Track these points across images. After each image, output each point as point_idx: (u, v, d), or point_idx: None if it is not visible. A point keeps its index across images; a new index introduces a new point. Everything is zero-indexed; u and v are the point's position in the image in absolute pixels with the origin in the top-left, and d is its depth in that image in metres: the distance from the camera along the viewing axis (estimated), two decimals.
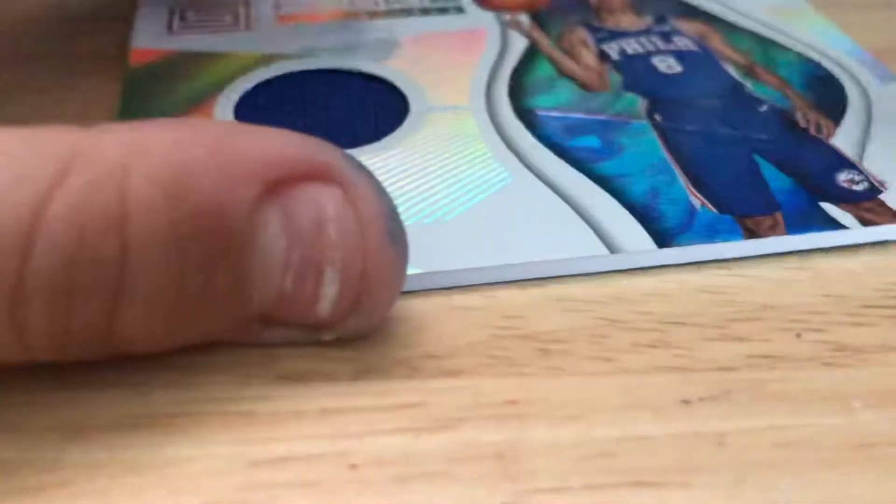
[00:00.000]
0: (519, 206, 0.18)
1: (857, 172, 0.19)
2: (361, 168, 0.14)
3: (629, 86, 0.22)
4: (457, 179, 0.19)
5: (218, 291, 0.13)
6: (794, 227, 0.18)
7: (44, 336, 0.13)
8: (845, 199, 0.19)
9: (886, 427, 0.14)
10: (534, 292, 0.17)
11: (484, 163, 0.20)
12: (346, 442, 0.14)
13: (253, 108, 0.22)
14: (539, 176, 0.19)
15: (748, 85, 0.23)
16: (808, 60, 0.24)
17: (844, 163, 0.20)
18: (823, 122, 0.21)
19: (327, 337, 0.15)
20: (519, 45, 0.24)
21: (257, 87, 0.22)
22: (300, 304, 0.14)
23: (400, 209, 0.16)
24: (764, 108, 0.22)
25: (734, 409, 0.15)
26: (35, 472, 0.13)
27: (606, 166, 0.19)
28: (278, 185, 0.14)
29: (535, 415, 0.14)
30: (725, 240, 0.17)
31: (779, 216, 0.18)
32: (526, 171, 0.19)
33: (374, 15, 0.26)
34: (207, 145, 0.13)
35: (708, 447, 0.14)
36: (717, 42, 0.25)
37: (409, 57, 0.24)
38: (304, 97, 0.22)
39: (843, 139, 0.21)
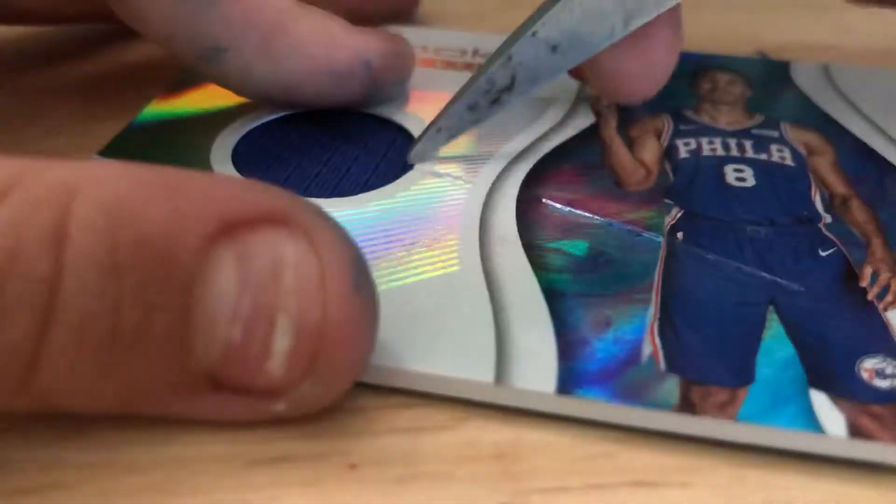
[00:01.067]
0: (440, 302, 0.16)
1: (892, 362, 0.14)
2: (327, 216, 0.13)
3: (675, 191, 0.19)
4: (406, 253, 0.17)
5: (156, 333, 0.12)
6: (753, 414, 0.13)
7: None
8: (851, 394, 0.14)
9: None
10: None
11: (443, 246, 0.17)
12: (345, 441, 0.14)
13: (255, 146, 0.20)
14: (487, 274, 0.16)
15: (827, 219, 0.18)
16: None
17: (884, 346, 0.15)
18: (894, 286, 0.16)
19: (280, 407, 0.13)
20: (583, 121, 0.21)
21: (261, 127, 0.21)
22: (249, 361, 0.13)
23: None
24: (827, 252, 0.17)
25: None
26: (35, 471, 0.13)
27: (572, 281, 0.16)
28: (235, 226, 0.12)
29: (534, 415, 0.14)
30: (635, 405, 0.14)
31: (742, 393, 0.14)
32: (478, 266, 0.16)
33: (450, 65, 0.24)
34: (162, 180, 0.13)
35: (707, 446, 0.14)
36: (824, 161, 0.20)
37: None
38: (313, 137, 0.21)
39: None
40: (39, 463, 0.13)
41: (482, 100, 0.19)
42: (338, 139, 0.21)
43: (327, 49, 0.19)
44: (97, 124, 0.21)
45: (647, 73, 0.19)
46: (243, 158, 0.20)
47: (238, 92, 0.20)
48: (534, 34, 0.18)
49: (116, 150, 0.20)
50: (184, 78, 0.22)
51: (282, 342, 0.13)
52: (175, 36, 0.19)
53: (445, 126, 0.19)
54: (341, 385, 0.13)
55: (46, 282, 0.12)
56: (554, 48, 0.18)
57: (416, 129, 0.20)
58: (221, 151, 0.20)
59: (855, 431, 0.13)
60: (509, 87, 0.18)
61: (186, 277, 0.12)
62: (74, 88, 0.24)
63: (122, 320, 0.12)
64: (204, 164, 0.19)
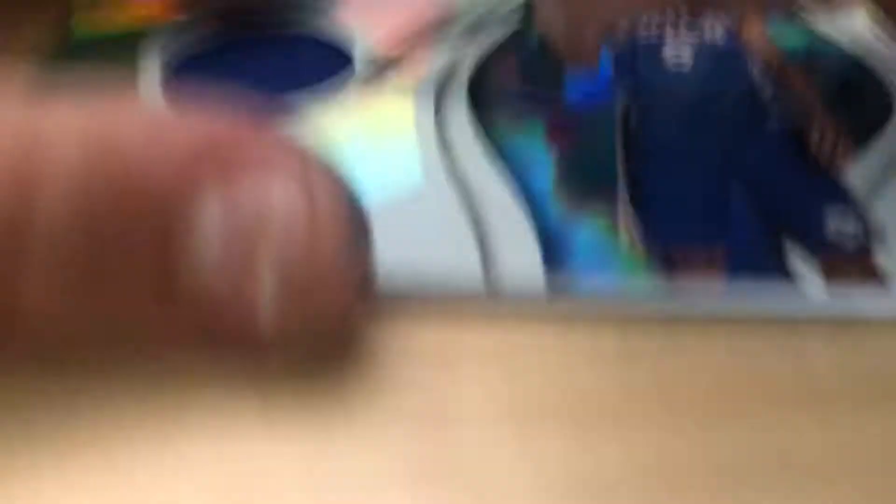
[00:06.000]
0: (417, 222, 0.15)
1: (854, 217, 0.15)
2: (321, 159, 0.13)
3: (619, 78, 0.19)
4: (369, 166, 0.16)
5: (136, 261, 0.12)
6: (736, 269, 0.14)
7: None
8: (819, 246, 0.14)
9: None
10: None
11: (405, 153, 0.17)
12: None
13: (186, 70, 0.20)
14: (456, 183, 0.16)
15: (767, 91, 0.18)
16: (856, 61, 0.19)
17: (843, 200, 0.15)
18: (842, 147, 0.17)
19: (274, 356, 0.13)
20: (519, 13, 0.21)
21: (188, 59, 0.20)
22: (236, 305, 0.12)
23: None
24: (772, 123, 0.17)
25: None
26: (34, 456, 0.13)
27: (540, 178, 0.16)
28: (223, 164, 0.12)
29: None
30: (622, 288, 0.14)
31: (720, 251, 0.14)
32: (442, 174, 0.16)
33: None
34: (147, 116, 0.12)
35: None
36: (754, 31, 0.20)
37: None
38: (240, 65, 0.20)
39: (863, 169, 0.16)
40: (38, 447, 0.13)
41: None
42: (273, 59, 0.20)
43: None
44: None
45: None
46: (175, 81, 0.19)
47: None
48: None
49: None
50: None
51: (270, 285, 0.12)
52: None
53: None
54: (334, 321, 0.13)
55: (24, 204, 0.11)
56: None
57: (351, 44, 0.20)
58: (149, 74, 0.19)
59: (829, 280, 0.14)
60: None
61: (168, 214, 0.12)
62: None
63: (99, 244, 0.12)
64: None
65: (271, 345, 0.13)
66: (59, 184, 0.11)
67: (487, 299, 0.14)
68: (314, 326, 0.12)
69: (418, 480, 0.12)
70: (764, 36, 0.20)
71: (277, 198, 0.12)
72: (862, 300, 0.14)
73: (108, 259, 0.12)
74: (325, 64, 0.20)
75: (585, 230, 0.15)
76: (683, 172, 0.16)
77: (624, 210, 0.15)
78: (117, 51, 0.20)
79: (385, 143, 0.17)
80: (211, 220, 0.12)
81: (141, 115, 0.12)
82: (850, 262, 0.14)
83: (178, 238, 0.12)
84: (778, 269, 0.14)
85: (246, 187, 0.12)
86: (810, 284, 0.14)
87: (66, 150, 0.11)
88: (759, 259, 0.14)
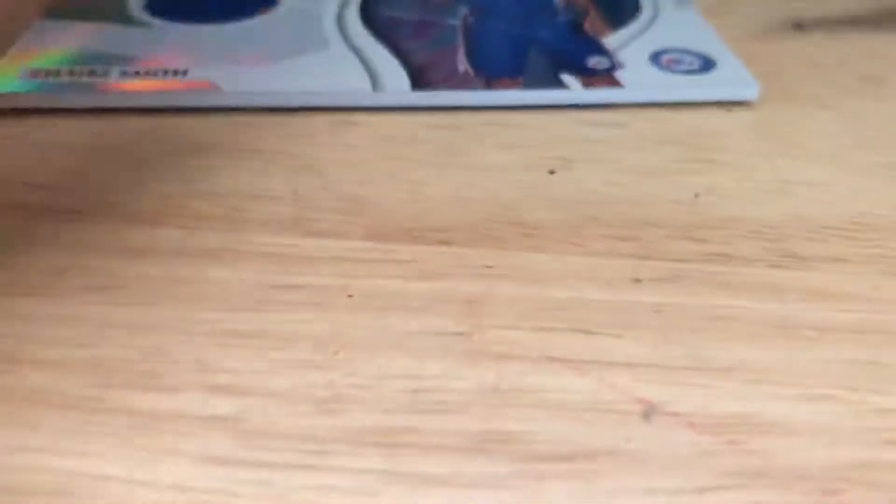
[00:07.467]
0: (324, 66, 0.25)
1: (606, 58, 0.25)
2: None
3: (462, 1, 0.28)
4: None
5: None
6: (528, 86, 0.24)
7: None
8: (583, 72, 0.24)
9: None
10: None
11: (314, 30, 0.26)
12: (348, 280, 0.17)
13: None
14: (351, 49, 0.25)
15: (557, 1, 0.28)
16: None
17: (600, 52, 0.25)
18: (601, 27, 0.27)
19: None
20: None
21: None
22: None
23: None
24: (560, 18, 0.27)
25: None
26: (102, 277, 0.17)
27: (413, 43, 0.26)
28: None
29: (505, 277, 0.18)
30: (467, 90, 0.23)
31: (520, 80, 0.24)
32: (343, 44, 0.26)
33: None
34: None
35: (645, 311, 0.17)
36: None
37: None
38: None
39: (616, 39, 0.26)
40: (103, 273, 0.18)
41: None
42: None
43: None
44: None
45: None
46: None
47: None
48: None
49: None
50: None
51: None
52: None
53: None
54: None
55: None
56: None
57: None
58: None
59: (585, 87, 0.24)
60: None
61: None
62: None
63: None
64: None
65: None
66: None
67: (374, 93, 0.23)
68: None
69: None
70: None
71: None
72: (605, 93, 0.24)
73: None
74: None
75: (439, 64, 0.25)
76: (499, 38, 0.26)
77: (460, 56, 0.25)
78: None
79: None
80: None
81: None
82: (600, 77, 0.24)
83: None
84: (558, 84, 0.24)
85: None
86: (574, 88, 0.23)
87: None
88: (544, 82, 0.24)
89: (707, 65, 0.25)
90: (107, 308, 0.17)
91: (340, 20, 0.27)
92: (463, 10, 0.28)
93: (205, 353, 0.16)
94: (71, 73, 0.23)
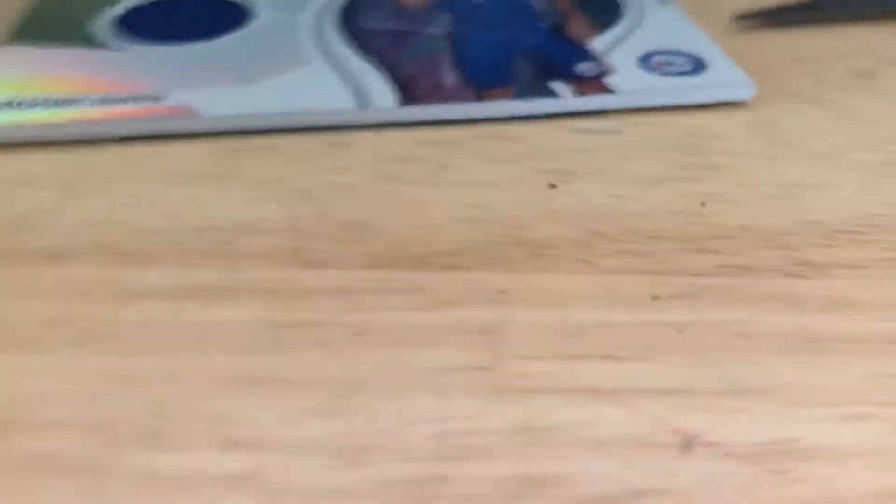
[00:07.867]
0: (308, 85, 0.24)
1: (595, 64, 0.24)
2: None
3: (440, 8, 0.28)
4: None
5: None
6: (519, 96, 0.23)
7: None
8: (573, 78, 0.24)
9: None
10: None
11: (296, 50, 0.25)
12: (355, 314, 0.16)
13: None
14: (332, 65, 0.24)
15: (537, 6, 0.28)
16: None
17: (589, 57, 0.25)
18: (586, 31, 0.26)
19: None
20: None
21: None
22: None
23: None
24: (543, 24, 0.27)
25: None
26: (96, 325, 0.16)
27: (396, 55, 0.25)
28: None
29: (520, 302, 0.17)
30: (458, 102, 0.23)
31: (511, 90, 0.23)
32: (323, 61, 0.25)
33: None
34: None
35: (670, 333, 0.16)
36: None
37: None
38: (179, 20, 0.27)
39: (602, 42, 0.26)
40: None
41: None
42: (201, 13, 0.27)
43: None
44: None
45: None
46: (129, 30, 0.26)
47: None
48: None
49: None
50: None
51: None
52: None
53: None
54: None
55: None
56: None
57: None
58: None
59: (577, 94, 0.23)
60: None
61: None
62: None
63: None
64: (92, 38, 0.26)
65: None
66: None
67: (358, 111, 0.23)
68: None
69: None
70: None
71: None
72: (598, 100, 0.23)
73: None
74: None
75: (427, 77, 0.24)
76: (484, 46, 0.25)
77: (446, 62, 0.24)
78: None
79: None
80: None
81: None
82: (590, 83, 0.23)
83: None
84: (548, 93, 0.23)
85: None
86: (565, 96, 0.23)
87: None
88: (534, 91, 0.23)
89: (699, 66, 0.24)
90: (104, 359, 0.15)
91: (318, 34, 0.26)
92: (442, 19, 0.27)
93: (215, 405, 0.15)
94: (36, 103, 0.22)
